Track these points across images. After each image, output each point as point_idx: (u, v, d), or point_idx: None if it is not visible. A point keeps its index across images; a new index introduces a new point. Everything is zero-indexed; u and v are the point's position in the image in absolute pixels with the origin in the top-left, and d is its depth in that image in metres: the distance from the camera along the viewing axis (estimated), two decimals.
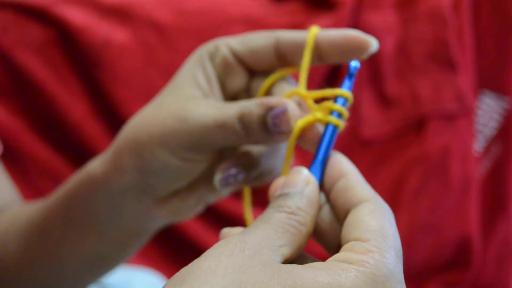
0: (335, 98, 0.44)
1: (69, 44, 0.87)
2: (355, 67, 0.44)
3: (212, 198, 0.51)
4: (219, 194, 0.51)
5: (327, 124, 0.43)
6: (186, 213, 0.51)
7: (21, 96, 0.87)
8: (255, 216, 0.58)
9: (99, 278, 0.58)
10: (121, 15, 0.89)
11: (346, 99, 0.44)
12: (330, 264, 0.35)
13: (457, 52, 0.93)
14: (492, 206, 0.98)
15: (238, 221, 0.89)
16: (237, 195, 0.89)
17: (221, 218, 0.90)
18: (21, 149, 0.87)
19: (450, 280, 0.96)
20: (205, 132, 0.45)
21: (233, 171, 0.47)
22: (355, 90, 0.95)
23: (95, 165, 0.52)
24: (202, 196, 0.50)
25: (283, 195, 0.39)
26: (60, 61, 0.88)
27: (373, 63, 0.93)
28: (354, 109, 0.92)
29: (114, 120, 0.87)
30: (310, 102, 0.45)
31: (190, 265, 0.34)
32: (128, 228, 0.53)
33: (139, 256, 0.86)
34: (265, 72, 0.49)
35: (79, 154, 0.87)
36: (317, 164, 0.42)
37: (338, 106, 0.43)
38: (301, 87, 0.46)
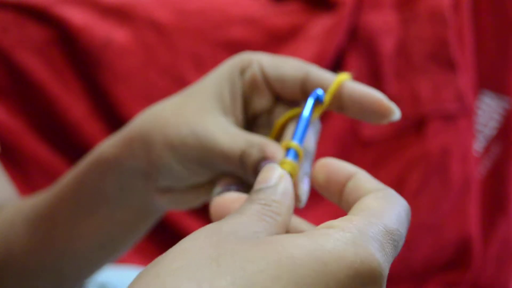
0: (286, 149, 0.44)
1: (69, 44, 0.87)
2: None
3: (210, 198, 0.52)
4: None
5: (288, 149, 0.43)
6: (185, 205, 0.52)
7: (21, 96, 0.87)
8: None
9: (108, 262, 0.58)
10: (121, 15, 0.89)
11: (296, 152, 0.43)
12: (311, 231, 0.34)
13: (457, 52, 0.93)
14: (492, 206, 0.98)
15: None
16: None
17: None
18: (21, 149, 0.87)
19: (450, 280, 0.96)
20: (211, 155, 0.47)
21: (232, 187, 0.47)
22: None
23: (106, 147, 0.53)
24: (200, 195, 0.51)
25: (257, 191, 0.38)
26: (60, 61, 0.88)
27: (373, 63, 0.93)
28: None
29: (114, 120, 0.87)
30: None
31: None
32: (136, 208, 0.54)
33: (139, 256, 0.86)
34: (290, 100, 0.49)
35: (79, 154, 0.87)
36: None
37: (288, 160, 0.42)
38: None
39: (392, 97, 0.92)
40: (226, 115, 0.49)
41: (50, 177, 0.86)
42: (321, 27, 0.91)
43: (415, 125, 0.93)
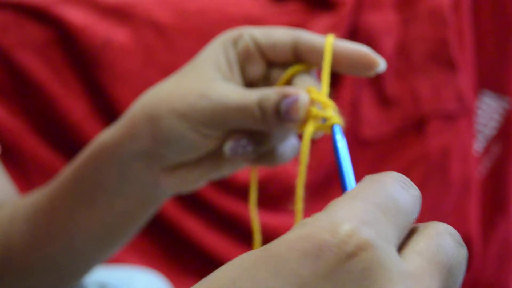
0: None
1: (69, 44, 0.87)
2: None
3: (216, 175, 0.53)
4: (223, 171, 0.53)
5: (333, 131, 0.45)
6: (190, 184, 0.53)
7: (21, 96, 0.87)
8: (260, 215, 0.59)
9: (109, 254, 0.58)
10: (121, 15, 0.89)
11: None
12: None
13: (457, 52, 0.93)
14: (492, 206, 0.98)
15: (238, 221, 0.89)
16: (238, 196, 0.89)
17: (222, 218, 0.90)
18: (21, 149, 0.87)
19: None
20: (226, 112, 0.48)
21: (243, 141, 0.49)
22: (355, 90, 0.95)
23: (105, 136, 0.54)
24: (207, 170, 0.52)
25: None
26: (60, 61, 0.88)
27: None
28: (354, 109, 0.92)
29: (114, 120, 0.86)
30: (320, 98, 0.47)
31: None
32: (136, 198, 0.54)
33: (139, 256, 0.86)
34: (283, 65, 0.51)
35: (79, 154, 0.87)
36: (347, 179, 0.40)
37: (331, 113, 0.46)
38: (323, 91, 0.47)
39: (392, 97, 0.93)
40: (227, 81, 0.50)
41: (50, 177, 0.86)
42: (321, 27, 0.91)
43: (415, 125, 0.93)
